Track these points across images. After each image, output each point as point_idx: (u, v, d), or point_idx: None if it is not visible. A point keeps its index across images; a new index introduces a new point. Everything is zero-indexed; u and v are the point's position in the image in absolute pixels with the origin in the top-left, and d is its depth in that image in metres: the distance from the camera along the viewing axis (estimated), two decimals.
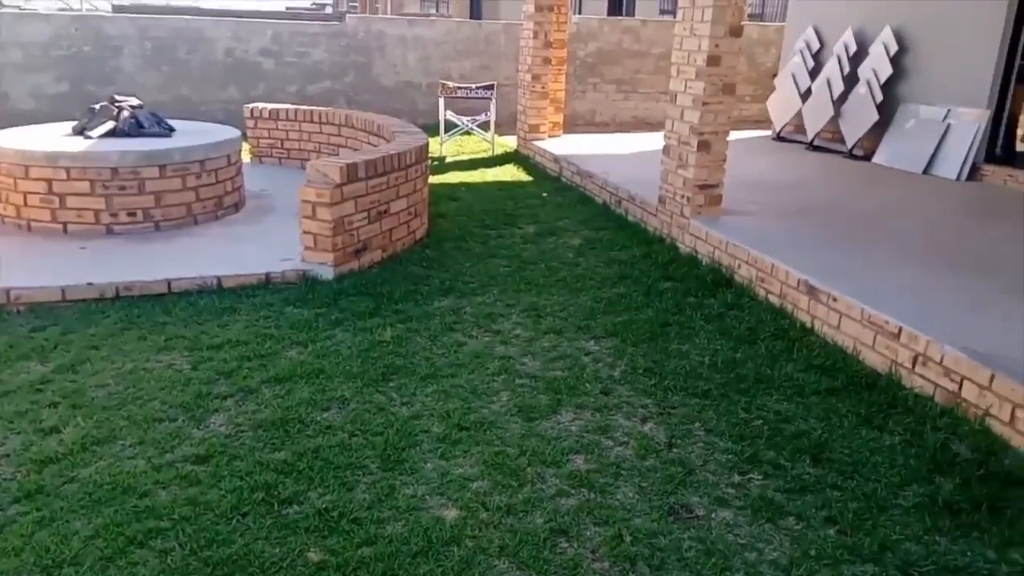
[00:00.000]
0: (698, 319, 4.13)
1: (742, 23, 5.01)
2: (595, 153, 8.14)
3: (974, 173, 7.04)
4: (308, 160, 4.83)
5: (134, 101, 5.74)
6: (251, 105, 7.75)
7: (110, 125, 5.39)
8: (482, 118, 8.98)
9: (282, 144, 7.63)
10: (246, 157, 7.39)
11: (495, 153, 8.97)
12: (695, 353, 3.71)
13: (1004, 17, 6.78)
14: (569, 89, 10.92)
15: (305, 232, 4.51)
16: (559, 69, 8.94)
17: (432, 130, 9.12)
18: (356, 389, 3.27)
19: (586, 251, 5.39)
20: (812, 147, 8.77)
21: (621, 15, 23.45)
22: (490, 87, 9.01)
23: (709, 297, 4.46)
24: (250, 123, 7.65)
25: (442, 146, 8.90)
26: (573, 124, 10.89)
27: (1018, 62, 6.92)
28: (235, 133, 5.87)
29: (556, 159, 7.95)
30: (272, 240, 5.02)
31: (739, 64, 11.94)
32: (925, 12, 7.61)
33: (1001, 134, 7.12)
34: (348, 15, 11.90)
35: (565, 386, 3.33)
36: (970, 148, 6.99)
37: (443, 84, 9.02)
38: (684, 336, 3.92)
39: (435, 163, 8.34)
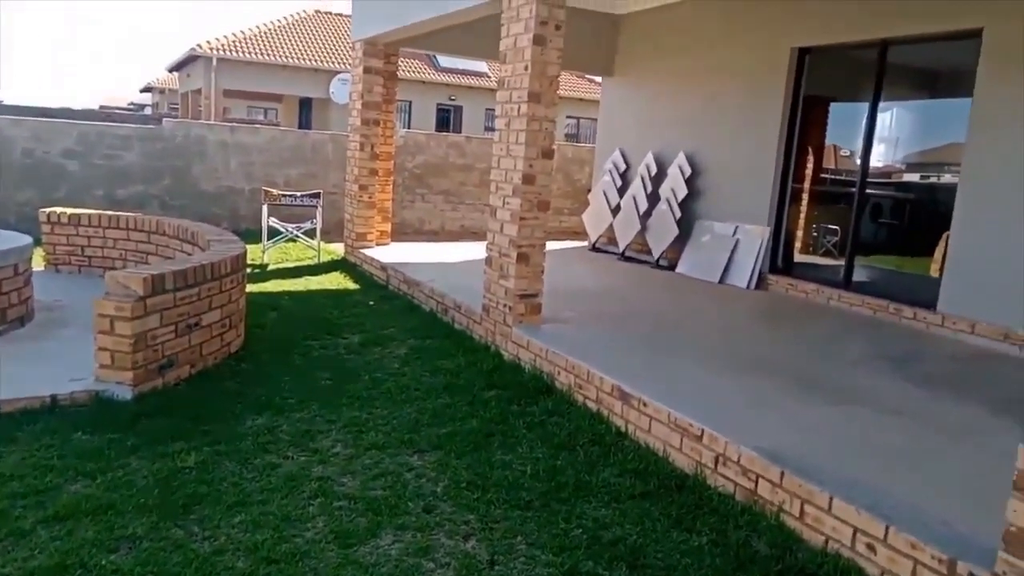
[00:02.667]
0: (521, 427, 4.18)
1: (553, 146, 5.40)
2: (423, 261, 8.25)
3: (761, 282, 7.88)
4: (112, 269, 4.50)
5: None
6: (47, 209, 7.18)
7: None
8: (308, 225, 8.88)
9: (83, 251, 7.08)
10: (40, 265, 6.77)
11: (321, 261, 8.85)
12: (518, 463, 3.73)
13: (776, 147, 7.82)
14: (397, 199, 11.14)
15: (101, 348, 4.14)
16: (386, 180, 9.12)
17: (255, 237, 8.90)
18: (151, 524, 2.96)
19: (412, 361, 5.35)
20: (624, 257, 9.44)
21: (448, 131, 24.60)
22: (316, 195, 8.98)
23: (532, 404, 4.54)
24: (46, 228, 7.06)
25: (265, 253, 8.66)
26: (402, 232, 11.04)
27: (790, 185, 7.95)
28: (25, 240, 5.38)
29: (384, 267, 7.96)
30: (62, 357, 4.56)
31: (557, 180, 12.74)
32: (712, 141, 8.61)
33: (781, 247, 8.06)
34: (166, 119, 11.53)
35: (386, 506, 3.21)
36: (756, 260, 7.84)
37: (266, 191, 8.87)
38: (507, 445, 3.93)
39: (256, 271, 8.08)
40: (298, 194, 9.09)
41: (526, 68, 5.24)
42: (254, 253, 8.67)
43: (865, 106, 7.16)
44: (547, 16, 5.21)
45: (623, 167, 10.01)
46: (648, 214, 9.21)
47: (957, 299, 6.07)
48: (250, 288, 6.90)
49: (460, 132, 24.78)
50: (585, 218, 10.50)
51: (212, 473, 3.42)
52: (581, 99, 26.08)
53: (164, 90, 37.78)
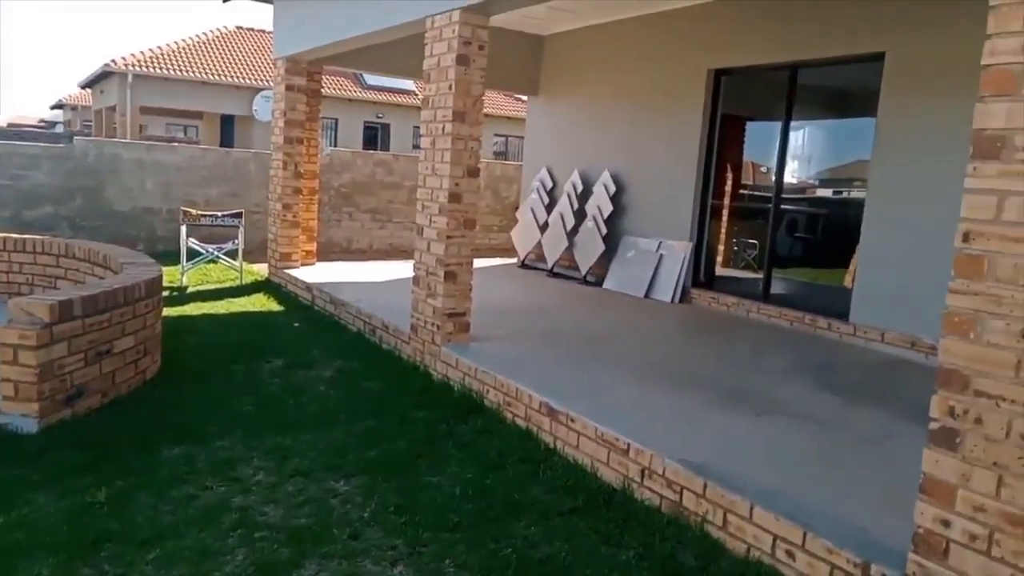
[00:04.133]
0: (450, 447, 4.15)
1: (479, 164, 5.42)
2: (350, 281, 8.14)
3: (685, 296, 8.07)
4: (18, 295, 4.26)
5: None
6: None
7: None
8: (229, 246, 8.65)
9: None
10: None
11: (244, 282, 8.61)
12: (447, 484, 3.69)
13: (696, 165, 8.05)
14: (324, 217, 10.97)
15: (3, 380, 3.91)
16: (311, 199, 8.97)
17: (173, 258, 8.61)
18: (58, 564, 2.80)
19: (339, 383, 5.25)
20: (552, 274, 9.53)
21: (376, 149, 24.42)
22: (238, 214, 8.76)
23: (461, 424, 4.51)
24: None
25: (184, 276, 8.37)
26: (329, 252, 10.87)
27: (710, 201, 8.19)
28: None
29: (309, 287, 7.81)
30: None
31: (486, 198, 12.79)
32: (635, 159, 8.80)
33: (703, 262, 8.28)
34: (77, 137, 11.07)
35: (310, 535, 3.12)
36: (679, 275, 8.03)
37: (185, 211, 8.60)
38: (436, 466, 3.89)
39: (175, 294, 7.81)
40: (219, 214, 8.84)
41: (450, 87, 5.25)
42: (172, 275, 8.38)
43: (779, 125, 7.46)
44: (470, 36, 5.24)
45: (550, 185, 10.12)
46: (575, 231, 9.33)
47: (867, 310, 6.35)
48: (168, 312, 6.67)
49: (388, 150, 24.66)
50: (513, 235, 10.56)
51: (124, 507, 3.27)
52: (509, 117, 26.31)
53: (77, 107, 36.32)
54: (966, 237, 2.36)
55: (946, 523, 2.39)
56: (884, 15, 6.18)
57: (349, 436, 4.24)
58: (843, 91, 7.46)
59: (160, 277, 5.30)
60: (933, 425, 2.43)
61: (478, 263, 9.74)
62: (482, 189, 12.79)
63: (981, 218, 2.32)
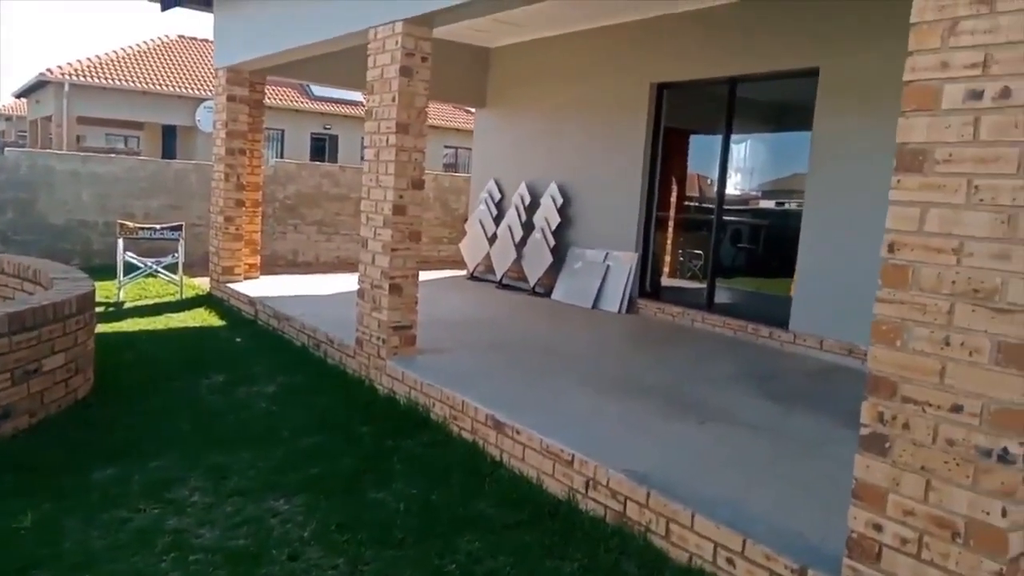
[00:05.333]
0: (396, 463, 4.09)
1: (424, 176, 5.39)
2: (295, 294, 8.00)
3: (632, 306, 8.15)
4: None
5: None
6: None
7: None
8: (169, 259, 8.43)
9: None
10: None
11: (184, 297, 8.39)
12: (392, 500, 3.64)
13: (641, 177, 8.16)
14: (268, 230, 10.79)
15: None
16: (254, 211, 8.81)
17: (110, 273, 8.35)
18: None
19: (282, 399, 5.14)
20: (501, 285, 9.53)
21: (324, 160, 24.15)
22: (178, 227, 8.55)
23: (407, 438, 4.46)
24: None
25: (120, 290, 8.12)
26: (275, 265, 10.68)
27: (655, 213, 8.31)
28: None
29: (252, 301, 7.65)
30: None
31: (435, 210, 12.75)
32: (582, 171, 8.88)
33: (649, 272, 8.38)
34: (8, 148, 10.68)
35: (247, 556, 3.04)
36: (626, 285, 8.12)
37: (122, 224, 8.36)
38: (381, 482, 3.84)
39: (111, 310, 7.57)
40: (158, 227, 8.61)
41: (394, 99, 5.22)
42: (108, 290, 8.13)
43: (720, 138, 7.62)
44: (413, 48, 5.23)
45: (498, 196, 10.14)
46: (523, 242, 9.36)
47: (806, 318, 6.51)
48: (102, 328, 6.47)
49: (336, 161, 24.41)
50: (462, 247, 10.54)
51: (53, 532, 3.13)
52: (459, 129, 26.31)
53: (12, 117, 35.06)
54: (891, 248, 2.43)
55: (878, 527, 2.45)
56: (818, 31, 6.37)
57: (291, 453, 4.15)
58: (781, 105, 7.67)
59: (92, 292, 5.13)
60: (863, 431, 2.49)
61: (427, 275, 9.67)
62: (431, 201, 12.75)
63: (905, 229, 2.40)
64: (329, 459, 4.09)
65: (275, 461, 4.04)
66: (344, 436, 4.45)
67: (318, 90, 24.85)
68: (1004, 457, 2.17)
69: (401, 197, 5.28)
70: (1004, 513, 2.17)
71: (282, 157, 23.69)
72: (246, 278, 8.67)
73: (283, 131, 25.01)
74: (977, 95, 2.26)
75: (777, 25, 6.71)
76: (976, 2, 2.26)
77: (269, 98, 24.24)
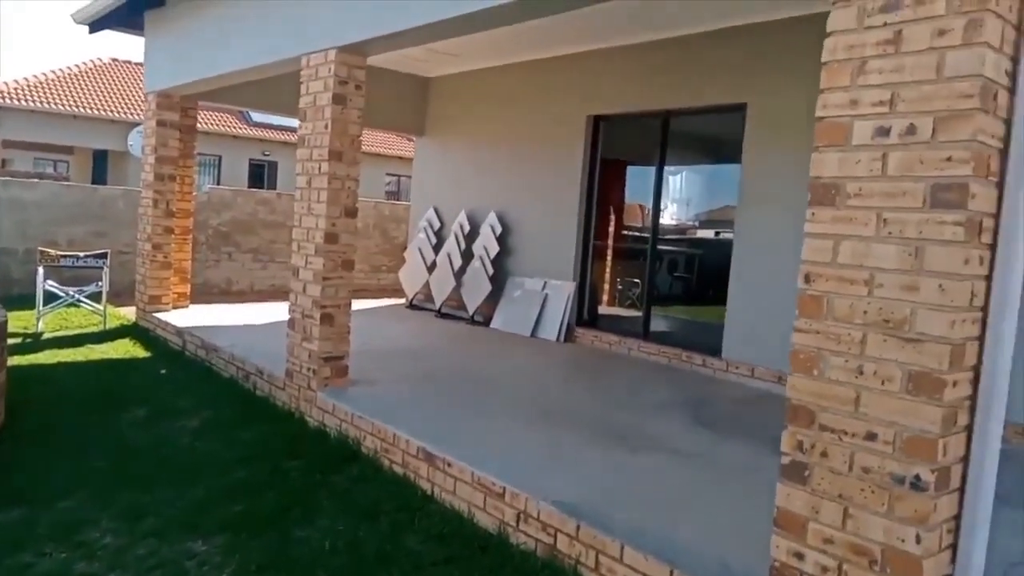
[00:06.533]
0: (323, 498, 3.98)
1: (356, 204, 5.33)
2: (226, 324, 7.78)
3: (570, 335, 8.18)
4: None
5: None
6: None
7: None
8: (92, 288, 8.11)
9: None
10: None
11: (108, 327, 8.07)
12: (317, 537, 3.52)
13: (578, 207, 8.24)
14: (201, 258, 10.51)
15: None
16: (184, 238, 8.56)
17: (30, 302, 8.00)
18: None
19: (206, 433, 4.96)
20: (440, 314, 9.46)
21: (263, 187, 23.76)
22: (103, 255, 8.25)
23: (336, 473, 4.34)
24: None
25: (39, 321, 7.77)
26: (208, 293, 10.38)
27: (593, 242, 8.39)
28: None
29: (179, 332, 7.40)
30: None
31: (374, 238, 12.64)
32: (520, 200, 8.93)
33: (587, 301, 8.44)
34: None
35: None
36: (564, 314, 8.15)
37: (43, 251, 8.03)
38: (307, 519, 3.71)
39: (27, 341, 7.22)
40: (81, 255, 8.29)
41: (326, 127, 5.17)
42: (27, 320, 7.77)
43: (654, 169, 7.76)
44: (347, 76, 5.19)
45: (438, 225, 10.11)
46: (463, 271, 9.33)
47: (737, 346, 6.63)
48: (17, 361, 6.18)
49: (275, 188, 24.04)
50: (401, 275, 10.45)
51: None
52: (401, 157, 26.23)
53: None
54: (807, 279, 2.49)
55: (799, 556, 2.47)
56: (746, 67, 6.59)
57: (213, 491, 3.99)
58: (712, 139, 7.88)
59: (4, 323, 4.88)
60: (784, 460, 2.52)
61: (366, 304, 9.58)
62: (371, 229, 12.64)
63: (819, 260, 2.46)
64: (253, 496, 3.94)
65: (195, 499, 3.88)
66: (270, 471, 4.30)
67: (257, 116, 24.51)
68: (916, 484, 2.22)
69: (334, 225, 5.20)
70: (918, 539, 2.21)
71: (219, 183, 23.22)
72: (175, 307, 8.39)
73: (220, 157, 24.52)
74: (885, 132, 2.34)
75: (707, 61, 6.91)
76: (883, 43, 2.36)
77: (206, 123, 23.87)
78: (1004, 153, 2.30)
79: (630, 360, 7.39)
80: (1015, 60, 2.29)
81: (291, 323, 5.50)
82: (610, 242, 8.56)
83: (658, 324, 7.72)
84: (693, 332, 7.43)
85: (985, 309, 2.30)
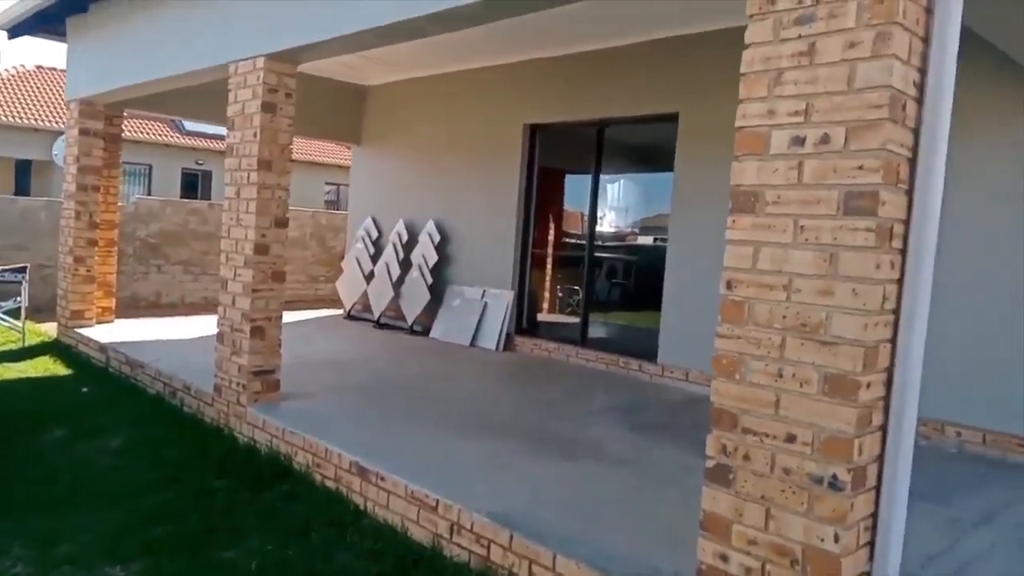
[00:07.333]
0: (251, 517, 3.86)
1: (287, 215, 5.21)
2: (152, 339, 7.51)
3: (509, 343, 8.18)
4: None
5: None
6: None
7: None
8: (11, 304, 7.74)
9: None
10: None
11: (27, 344, 7.71)
12: (244, 559, 3.41)
13: (516, 215, 8.26)
14: (128, 270, 10.17)
15: None
16: (108, 251, 8.25)
17: None
18: None
19: (129, 454, 4.77)
20: (379, 324, 9.34)
21: (197, 197, 23.12)
22: (21, 269, 7.89)
23: (266, 490, 4.22)
24: None
25: None
26: (135, 307, 10.03)
27: (531, 250, 8.42)
28: None
29: (103, 348, 7.11)
30: None
31: (312, 248, 12.44)
32: (458, 209, 8.90)
33: (526, 309, 8.45)
34: None
35: None
36: (503, 322, 8.14)
37: None
38: (234, 540, 3.59)
39: None
40: None
41: (255, 135, 5.05)
42: None
43: (590, 177, 7.84)
44: (276, 84, 5.09)
45: (376, 234, 9.99)
46: (401, 281, 9.24)
47: (672, 351, 6.73)
48: None
49: (209, 198, 23.41)
50: (339, 286, 10.29)
51: None
52: (340, 166, 25.89)
53: None
54: (728, 285, 2.53)
55: (724, 558, 2.50)
56: (678, 78, 6.71)
57: (133, 514, 3.83)
58: (647, 147, 8.00)
59: None
60: (709, 463, 2.55)
61: (302, 315, 9.41)
62: (308, 239, 12.43)
63: (740, 267, 2.50)
64: (176, 518, 3.80)
65: (114, 523, 3.71)
66: (195, 492, 4.16)
67: (190, 124, 23.86)
68: (834, 484, 2.27)
69: (263, 236, 5.08)
70: (836, 538, 2.26)
71: (150, 193, 22.52)
72: (99, 323, 8.07)
73: (151, 166, 23.78)
74: (800, 141, 2.40)
75: (640, 71, 7.01)
76: (797, 55, 2.42)
77: (136, 132, 23.12)
78: (913, 161, 2.38)
79: (568, 367, 7.42)
80: (922, 71, 2.37)
81: (220, 337, 5.34)
82: (549, 250, 8.61)
83: (596, 331, 7.78)
84: (630, 338, 7.52)
85: (897, 312, 2.37)
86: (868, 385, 2.27)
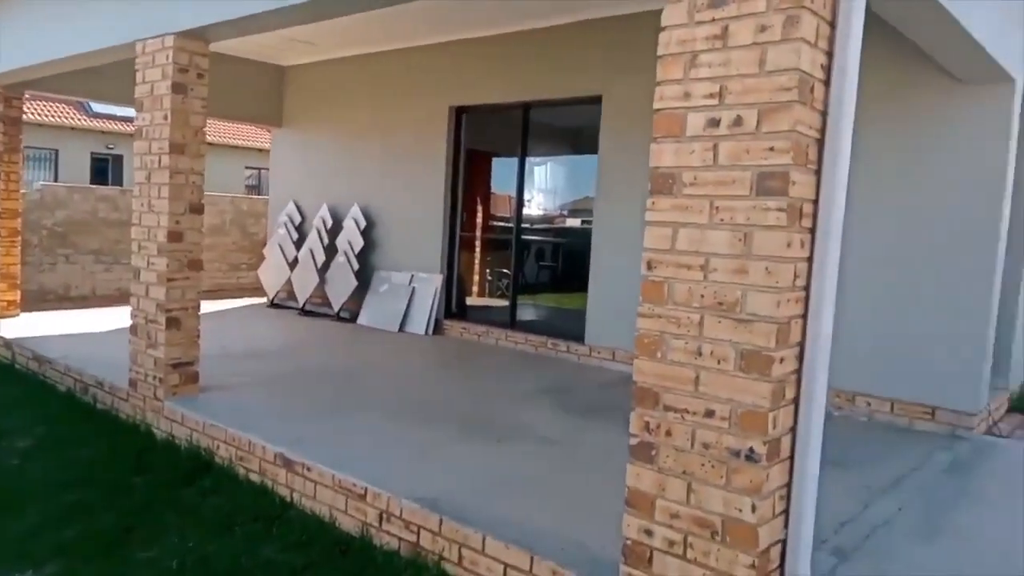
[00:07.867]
0: (172, 515, 3.73)
1: (203, 200, 5.03)
2: (62, 333, 7.16)
3: (438, 328, 8.13)
4: None
5: None
6: None
7: None
8: None
9: None
10: None
11: None
12: (164, 558, 3.30)
13: (443, 199, 8.19)
14: (33, 261, 9.62)
15: None
16: (11, 241, 7.81)
17: None
18: None
19: (38, 454, 4.54)
20: (304, 312, 9.15)
21: (108, 183, 22.06)
22: None
23: (186, 486, 4.09)
24: None
25: None
26: (43, 300, 9.51)
27: (459, 234, 8.37)
28: None
29: (8, 344, 6.73)
30: None
31: (232, 235, 12.06)
32: (384, 193, 8.77)
33: (455, 293, 8.42)
34: None
35: None
36: (432, 307, 8.09)
37: None
38: (152, 539, 3.47)
39: None
40: None
41: (166, 117, 4.84)
42: None
43: (517, 160, 7.83)
44: (187, 63, 4.88)
45: (299, 220, 9.75)
46: (326, 267, 9.05)
47: (599, 331, 6.82)
48: None
49: (121, 183, 22.37)
50: (261, 273, 10.01)
51: None
52: (261, 149, 25.13)
53: None
54: (649, 265, 2.57)
55: (649, 532, 2.55)
56: (602, 60, 6.74)
57: (44, 516, 3.66)
58: (572, 130, 8.04)
59: None
60: (632, 440, 2.60)
61: (224, 304, 9.15)
62: (228, 225, 12.02)
63: (660, 248, 2.54)
64: (90, 518, 3.65)
65: (24, 526, 3.54)
66: (111, 490, 4.00)
67: (98, 106, 22.72)
68: (751, 456, 2.34)
69: (177, 223, 4.88)
70: (753, 508, 2.34)
71: (57, 179, 21.39)
72: (3, 317, 7.63)
73: (57, 151, 22.58)
74: (715, 123, 2.44)
75: (565, 53, 7.02)
76: (711, 38, 2.45)
77: (39, 115, 21.86)
78: (821, 143, 2.45)
79: (498, 350, 7.44)
80: (829, 54, 2.44)
81: (133, 329, 5.13)
82: (477, 233, 8.58)
83: (525, 313, 7.81)
84: (558, 319, 7.58)
85: (808, 288, 2.46)
86: (781, 360, 2.35)
